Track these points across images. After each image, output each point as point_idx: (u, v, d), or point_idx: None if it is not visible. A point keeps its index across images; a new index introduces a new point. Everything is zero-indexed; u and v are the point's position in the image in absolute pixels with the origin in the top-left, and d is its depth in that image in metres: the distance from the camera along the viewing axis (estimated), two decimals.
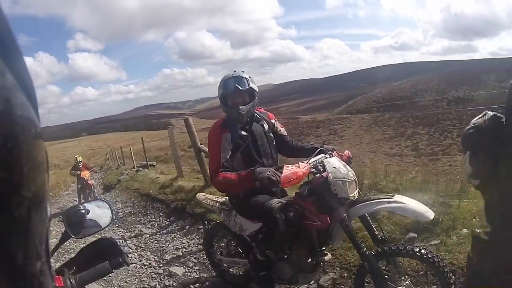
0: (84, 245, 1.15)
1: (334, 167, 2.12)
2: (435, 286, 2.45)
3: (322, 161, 2.20)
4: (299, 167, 2.06)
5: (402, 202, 2.05)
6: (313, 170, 2.19)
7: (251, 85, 2.44)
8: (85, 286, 1.02)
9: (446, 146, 29.53)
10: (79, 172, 10.48)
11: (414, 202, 2.09)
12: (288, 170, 2.03)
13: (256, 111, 2.62)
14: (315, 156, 2.26)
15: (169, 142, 8.44)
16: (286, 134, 2.79)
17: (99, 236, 1.43)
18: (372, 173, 4.94)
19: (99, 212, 1.45)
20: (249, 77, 2.46)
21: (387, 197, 2.11)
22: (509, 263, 1.30)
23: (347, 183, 2.09)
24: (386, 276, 2.15)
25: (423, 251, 2.03)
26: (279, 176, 2.04)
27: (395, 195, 2.14)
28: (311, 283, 2.93)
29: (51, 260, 0.36)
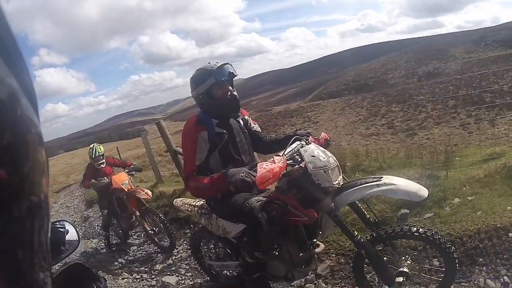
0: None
1: (313, 156, 1.94)
2: (436, 259, 2.40)
3: (299, 150, 2.01)
4: (274, 162, 1.86)
5: (392, 184, 1.91)
6: (290, 161, 1.99)
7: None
8: None
9: (421, 120, 30.00)
10: (106, 179, 4.98)
11: (405, 181, 1.97)
12: (263, 168, 1.81)
13: None
14: (290, 145, 2.09)
15: (145, 149, 8.16)
16: (260, 130, 2.63)
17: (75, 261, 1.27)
18: (353, 155, 4.90)
19: (72, 231, 1.27)
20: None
21: (375, 180, 1.96)
22: None
23: (329, 171, 1.91)
24: (385, 259, 2.06)
25: (420, 230, 1.94)
26: (254, 176, 1.84)
27: (383, 176, 1.99)
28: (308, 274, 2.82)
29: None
